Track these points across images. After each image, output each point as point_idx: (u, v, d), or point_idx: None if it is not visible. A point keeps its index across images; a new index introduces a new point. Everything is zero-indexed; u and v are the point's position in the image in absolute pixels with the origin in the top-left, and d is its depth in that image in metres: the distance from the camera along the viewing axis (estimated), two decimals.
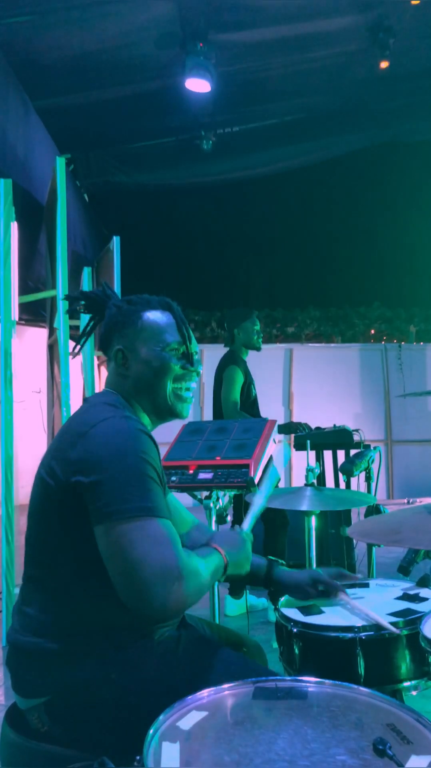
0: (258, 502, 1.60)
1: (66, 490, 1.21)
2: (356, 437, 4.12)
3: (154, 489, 1.17)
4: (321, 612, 1.51)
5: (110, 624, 1.24)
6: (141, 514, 1.12)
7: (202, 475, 2.08)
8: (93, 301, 1.47)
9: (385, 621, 1.39)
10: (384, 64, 5.90)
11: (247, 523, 1.51)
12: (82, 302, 1.48)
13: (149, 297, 1.47)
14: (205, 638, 1.41)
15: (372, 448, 2.87)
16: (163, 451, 2.45)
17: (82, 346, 1.57)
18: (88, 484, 1.16)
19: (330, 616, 1.48)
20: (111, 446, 1.19)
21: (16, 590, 3.40)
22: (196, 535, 1.63)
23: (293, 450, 3.85)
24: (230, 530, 1.41)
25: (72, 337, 5.21)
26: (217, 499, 2.07)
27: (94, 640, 1.23)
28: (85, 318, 1.56)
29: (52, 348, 4.96)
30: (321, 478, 4.44)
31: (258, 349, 3.76)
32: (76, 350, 1.58)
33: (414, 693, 1.39)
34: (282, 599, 1.63)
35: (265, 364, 7.18)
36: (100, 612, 1.24)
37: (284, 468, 1.63)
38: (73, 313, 1.49)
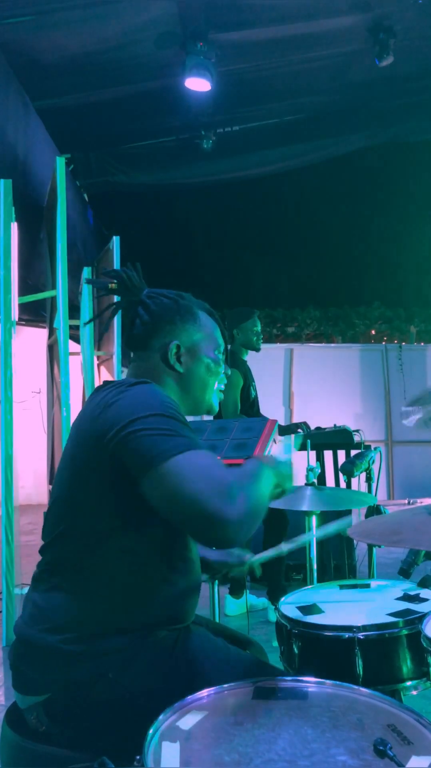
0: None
1: (101, 462, 1.19)
2: (356, 437, 4.12)
3: (186, 430, 1.18)
4: (321, 612, 1.51)
5: (115, 624, 1.24)
6: (181, 450, 1.12)
7: None
8: (131, 282, 1.41)
9: None
10: (387, 62, 5.88)
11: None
12: (115, 281, 1.41)
13: (191, 296, 1.48)
14: (206, 637, 1.40)
15: (372, 448, 2.86)
16: None
17: (96, 317, 1.60)
18: (125, 441, 1.15)
19: (330, 616, 1.48)
20: (142, 403, 1.20)
21: (16, 590, 3.41)
22: None
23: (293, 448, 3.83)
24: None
25: (72, 337, 5.20)
26: None
27: (98, 641, 1.22)
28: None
29: (52, 348, 4.96)
30: (321, 478, 4.44)
31: (256, 350, 3.75)
32: (92, 320, 1.63)
33: (414, 693, 1.39)
34: (283, 598, 1.63)
35: (265, 364, 7.18)
36: (108, 610, 1.23)
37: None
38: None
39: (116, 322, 3.90)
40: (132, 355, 1.45)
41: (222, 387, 1.49)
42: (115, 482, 1.18)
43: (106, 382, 1.36)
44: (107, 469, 1.18)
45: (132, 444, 1.15)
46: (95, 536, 1.22)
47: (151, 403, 1.21)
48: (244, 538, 1.10)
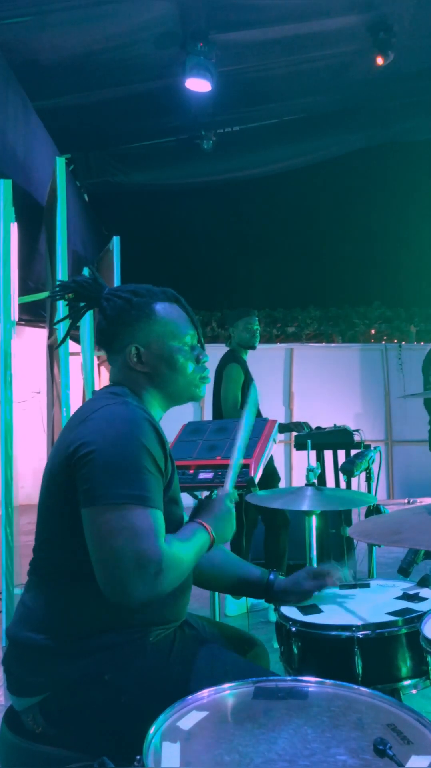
0: (239, 440, 1.55)
1: (66, 476, 1.21)
2: (356, 437, 4.12)
3: (146, 478, 1.16)
4: (320, 611, 1.51)
5: (104, 623, 1.24)
6: (127, 502, 1.12)
7: (203, 475, 2.08)
8: (86, 289, 1.42)
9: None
10: (380, 61, 5.87)
11: (228, 482, 1.48)
12: (71, 291, 1.42)
13: (152, 288, 1.44)
14: (200, 639, 1.40)
15: (372, 448, 2.87)
16: None
17: (67, 336, 1.58)
18: (80, 463, 1.17)
19: (329, 616, 1.48)
20: (108, 429, 1.19)
21: (16, 590, 3.41)
22: None
23: (293, 450, 3.83)
24: (213, 500, 1.39)
25: (72, 337, 5.20)
26: None
27: (88, 639, 1.23)
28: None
29: (52, 348, 4.96)
30: (321, 478, 4.44)
31: (252, 347, 3.75)
32: (61, 341, 1.61)
33: (414, 692, 1.38)
34: None
35: (265, 363, 7.18)
36: (95, 611, 1.23)
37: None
38: (71, 310, 1.47)
39: None
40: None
41: (206, 374, 1.46)
42: (76, 508, 1.19)
43: (95, 392, 1.37)
44: (74, 483, 1.19)
45: (84, 470, 1.16)
46: (74, 544, 1.21)
47: (116, 430, 1.19)
48: (143, 609, 1.18)
